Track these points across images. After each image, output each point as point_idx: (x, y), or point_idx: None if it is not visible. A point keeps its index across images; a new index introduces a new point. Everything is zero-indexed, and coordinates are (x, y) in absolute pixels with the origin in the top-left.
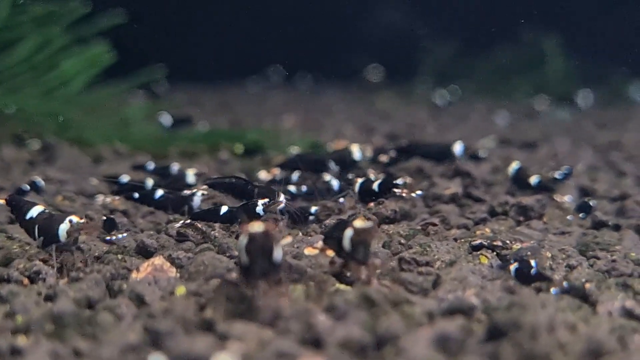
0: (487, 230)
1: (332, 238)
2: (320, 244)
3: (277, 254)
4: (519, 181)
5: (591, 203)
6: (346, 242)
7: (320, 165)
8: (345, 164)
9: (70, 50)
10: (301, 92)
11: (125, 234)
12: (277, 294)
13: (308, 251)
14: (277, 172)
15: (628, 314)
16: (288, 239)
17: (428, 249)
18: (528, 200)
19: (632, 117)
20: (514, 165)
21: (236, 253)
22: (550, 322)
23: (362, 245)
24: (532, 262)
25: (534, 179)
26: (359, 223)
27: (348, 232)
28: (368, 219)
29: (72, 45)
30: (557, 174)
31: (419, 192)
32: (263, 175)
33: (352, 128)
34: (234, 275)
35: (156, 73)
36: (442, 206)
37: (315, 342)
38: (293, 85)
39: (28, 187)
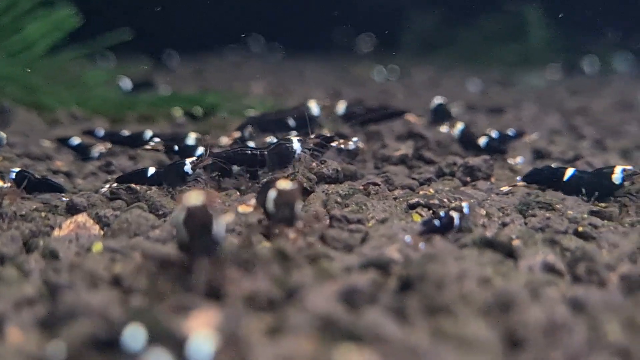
0: (431, 190)
1: (261, 198)
2: (253, 201)
3: (218, 228)
4: (465, 142)
5: (540, 166)
6: (270, 204)
7: (280, 123)
8: (304, 119)
9: (36, 13)
10: (280, 61)
11: None
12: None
13: (242, 209)
14: (237, 134)
15: (548, 268)
16: (230, 215)
17: (364, 207)
18: (475, 160)
19: (607, 85)
20: (459, 126)
21: (167, 211)
22: (459, 274)
23: (286, 207)
24: (455, 216)
25: (482, 141)
26: (281, 184)
27: (271, 194)
28: (294, 179)
29: (37, 8)
30: (493, 134)
31: (354, 139)
32: (224, 140)
33: (320, 93)
34: (157, 232)
35: (122, 37)
36: (390, 167)
37: (218, 295)
38: (273, 55)
39: None
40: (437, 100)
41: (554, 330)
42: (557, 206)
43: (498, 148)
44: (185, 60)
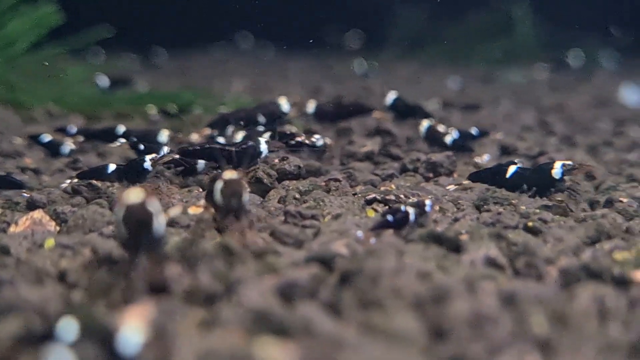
0: (392, 186)
1: (209, 193)
2: (203, 202)
3: (158, 225)
4: (431, 139)
5: (502, 163)
6: (217, 195)
7: (250, 119)
8: (274, 116)
9: (18, 10)
10: (267, 58)
11: None
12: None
13: (192, 210)
14: (207, 131)
15: (490, 262)
16: (178, 209)
17: (321, 203)
18: (438, 157)
19: (587, 82)
20: (425, 124)
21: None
22: (395, 269)
23: (233, 197)
24: (410, 212)
25: (448, 138)
26: (227, 175)
27: (218, 184)
28: (254, 175)
29: (19, 5)
30: (454, 133)
31: (317, 135)
32: (195, 137)
33: (300, 90)
34: (111, 228)
35: (103, 34)
36: (355, 163)
37: (160, 291)
38: (261, 52)
39: None
40: (392, 95)
41: (478, 323)
42: (513, 201)
43: (464, 146)
44: (173, 57)
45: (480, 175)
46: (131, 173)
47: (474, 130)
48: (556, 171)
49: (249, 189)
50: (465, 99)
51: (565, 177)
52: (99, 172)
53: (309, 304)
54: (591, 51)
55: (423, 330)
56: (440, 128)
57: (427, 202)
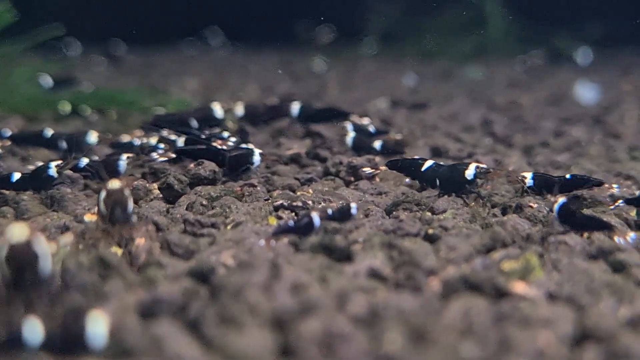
0: (310, 191)
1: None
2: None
3: (44, 265)
4: (358, 148)
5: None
6: (101, 205)
7: (182, 124)
8: (208, 121)
9: None
10: (231, 55)
11: None
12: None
13: (88, 217)
14: (139, 133)
15: (373, 273)
16: (69, 237)
17: (227, 210)
18: (359, 160)
19: (550, 77)
20: (350, 135)
21: (32, 215)
22: (265, 282)
23: (117, 207)
24: (314, 218)
25: (377, 144)
26: (110, 184)
27: (101, 194)
28: (164, 182)
29: None
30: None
31: (233, 139)
32: (125, 138)
33: (253, 89)
34: None
35: (55, 32)
36: (280, 167)
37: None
38: (228, 48)
39: None
40: (296, 105)
41: (330, 341)
42: (424, 206)
43: (394, 149)
44: (139, 54)
45: (397, 164)
46: (36, 181)
47: (371, 128)
48: (469, 172)
49: (132, 198)
50: (417, 97)
51: (479, 180)
52: (3, 181)
53: (166, 322)
54: (562, 46)
55: (274, 349)
56: (364, 121)
57: (353, 205)
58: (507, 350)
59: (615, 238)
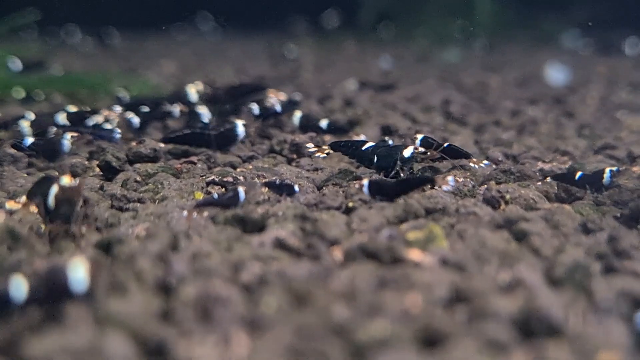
0: (250, 167)
1: (37, 194)
2: (24, 198)
3: None
4: (306, 127)
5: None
6: (50, 199)
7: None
8: (184, 104)
9: None
10: (220, 39)
11: None
12: None
13: (10, 205)
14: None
15: (279, 244)
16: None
17: (159, 186)
18: (302, 138)
19: (529, 59)
20: (297, 115)
21: None
22: (160, 251)
23: (67, 204)
24: (240, 192)
25: (323, 123)
26: (64, 180)
27: (53, 189)
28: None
29: None
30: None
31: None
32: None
33: (228, 71)
34: None
35: (28, 17)
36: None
37: None
38: (222, 33)
39: None
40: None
41: (208, 304)
42: (356, 181)
43: (341, 128)
44: (129, 39)
45: (340, 145)
46: None
47: (277, 107)
48: (406, 152)
49: (82, 198)
50: (388, 79)
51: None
52: None
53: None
54: (550, 29)
55: (157, 313)
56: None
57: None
58: (376, 312)
59: (440, 187)
